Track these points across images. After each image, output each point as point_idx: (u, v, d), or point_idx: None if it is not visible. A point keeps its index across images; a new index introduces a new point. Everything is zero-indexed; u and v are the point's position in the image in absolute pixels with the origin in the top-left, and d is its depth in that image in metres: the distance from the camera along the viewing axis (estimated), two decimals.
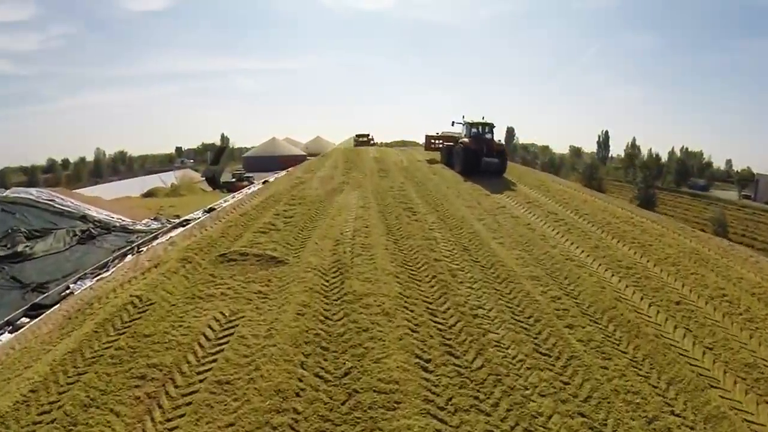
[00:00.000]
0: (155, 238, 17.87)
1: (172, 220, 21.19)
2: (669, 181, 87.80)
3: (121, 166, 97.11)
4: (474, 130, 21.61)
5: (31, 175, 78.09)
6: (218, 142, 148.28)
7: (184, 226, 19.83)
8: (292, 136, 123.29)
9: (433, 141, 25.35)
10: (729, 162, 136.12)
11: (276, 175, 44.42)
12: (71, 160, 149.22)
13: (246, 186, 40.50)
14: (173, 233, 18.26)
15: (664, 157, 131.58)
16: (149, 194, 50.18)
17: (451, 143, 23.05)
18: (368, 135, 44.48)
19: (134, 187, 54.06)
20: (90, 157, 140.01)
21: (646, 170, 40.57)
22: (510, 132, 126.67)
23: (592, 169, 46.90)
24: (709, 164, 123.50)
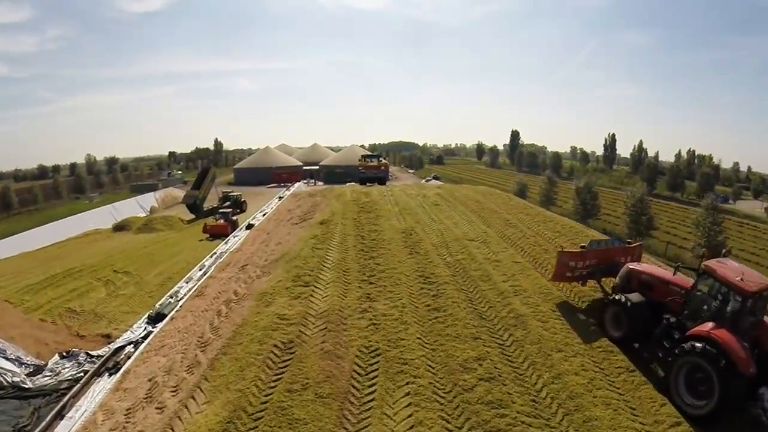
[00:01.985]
0: (60, 413, 10.39)
1: (94, 355, 13.22)
2: (689, 192, 79.91)
3: (105, 178, 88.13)
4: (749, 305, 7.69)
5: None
6: (212, 147, 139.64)
7: (110, 371, 12.17)
8: (288, 142, 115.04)
9: (574, 263, 10.62)
10: (736, 164, 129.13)
11: (267, 207, 36.13)
12: (62, 164, 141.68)
13: (227, 229, 32.02)
14: (86, 397, 10.81)
15: (669, 158, 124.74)
16: (120, 227, 42.02)
17: (643, 299, 9.40)
18: (379, 158, 34.07)
19: (107, 218, 45.74)
20: (81, 161, 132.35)
21: (714, 226, 31.71)
22: (515, 135, 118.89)
23: (642, 205, 38.64)
24: (717, 167, 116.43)
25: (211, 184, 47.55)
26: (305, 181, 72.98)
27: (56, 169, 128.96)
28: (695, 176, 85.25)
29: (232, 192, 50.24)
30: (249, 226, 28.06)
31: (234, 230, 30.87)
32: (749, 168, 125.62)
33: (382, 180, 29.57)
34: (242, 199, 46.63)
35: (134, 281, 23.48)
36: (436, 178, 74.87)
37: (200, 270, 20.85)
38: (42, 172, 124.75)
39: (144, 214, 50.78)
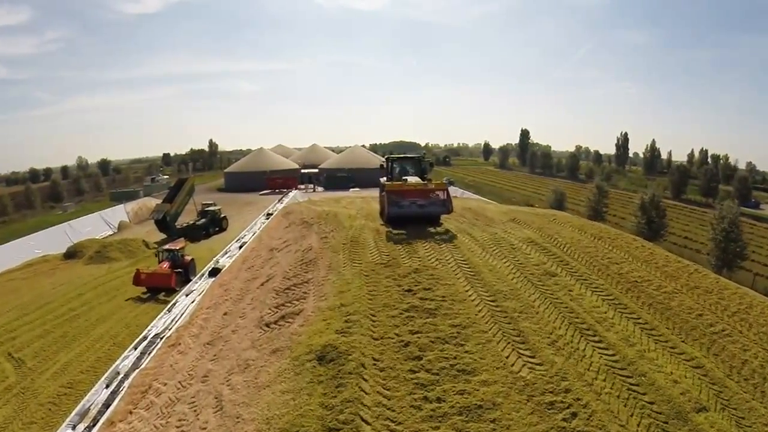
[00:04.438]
0: None
1: None
2: (721, 197, 69.69)
3: (85, 184, 77.59)
4: None
5: None
6: (207, 148, 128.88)
7: None
8: (288, 143, 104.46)
9: None
10: (750, 164, 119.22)
11: (248, 233, 26.38)
12: (54, 167, 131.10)
13: (170, 281, 20.00)
14: None
15: (678, 158, 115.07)
16: (72, 254, 31.89)
17: None
18: (422, 161, 15.09)
19: (62, 240, 35.49)
20: (72, 163, 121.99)
21: None
22: (524, 134, 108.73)
23: (734, 230, 28.21)
24: (735, 168, 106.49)
25: (188, 197, 37.35)
26: (303, 187, 62.90)
27: (48, 172, 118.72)
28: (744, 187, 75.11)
29: (213, 204, 40.37)
30: (213, 272, 18.13)
31: (187, 278, 20.44)
32: (755, 167, 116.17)
33: (436, 218, 13.03)
34: (221, 215, 36.37)
35: (21, 385, 13.61)
36: (450, 183, 64.88)
37: (106, 387, 11.21)
38: (33, 176, 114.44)
39: (110, 232, 40.71)
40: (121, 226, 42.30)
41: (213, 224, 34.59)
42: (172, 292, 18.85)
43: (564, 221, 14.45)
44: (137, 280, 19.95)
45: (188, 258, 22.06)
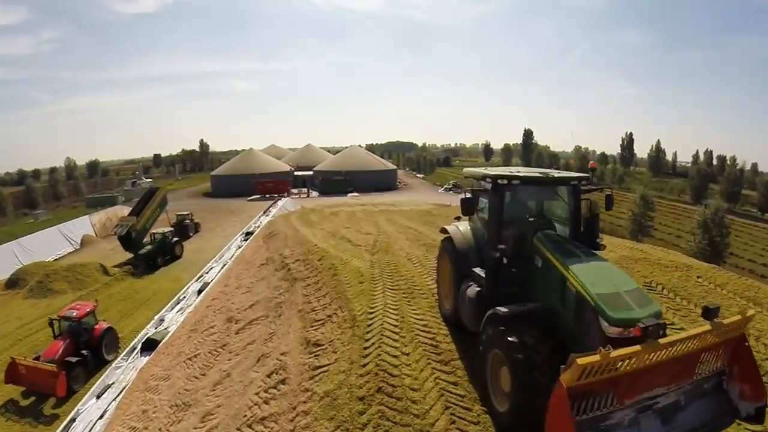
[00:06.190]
0: None
1: None
2: (742, 202, 63.52)
3: (62, 187, 71.06)
4: None
5: None
6: (198, 149, 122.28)
7: None
8: (283, 143, 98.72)
9: None
10: (755, 165, 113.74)
11: (216, 265, 20.50)
12: (43, 170, 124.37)
13: (57, 385, 11.97)
14: None
15: (685, 159, 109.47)
16: (14, 283, 25.85)
17: None
18: (579, 190, 5.42)
19: (11, 262, 29.35)
20: (62, 165, 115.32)
21: None
22: (528, 134, 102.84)
23: None
24: (741, 170, 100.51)
25: (159, 210, 31.32)
26: (296, 192, 57.01)
27: (37, 173, 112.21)
28: (739, 183, 69.64)
29: (189, 215, 34.33)
30: (147, 346, 12.13)
31: (102, 360, 13.16)
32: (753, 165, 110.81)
33: None
34: (173, 240, 28.85)
35: None
36: (456, 186, 58.93)
37: None
38: (21, 177, 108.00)
39: (70, 250, 34.65)
40: (85, 242, 36.13)
41: (162, 251, 27.83)
42: (69, 396, 11.80)
43: (699, 272, 8.69)
44: (12, 376, 12.14)
45: (103, 326, 14.00)
